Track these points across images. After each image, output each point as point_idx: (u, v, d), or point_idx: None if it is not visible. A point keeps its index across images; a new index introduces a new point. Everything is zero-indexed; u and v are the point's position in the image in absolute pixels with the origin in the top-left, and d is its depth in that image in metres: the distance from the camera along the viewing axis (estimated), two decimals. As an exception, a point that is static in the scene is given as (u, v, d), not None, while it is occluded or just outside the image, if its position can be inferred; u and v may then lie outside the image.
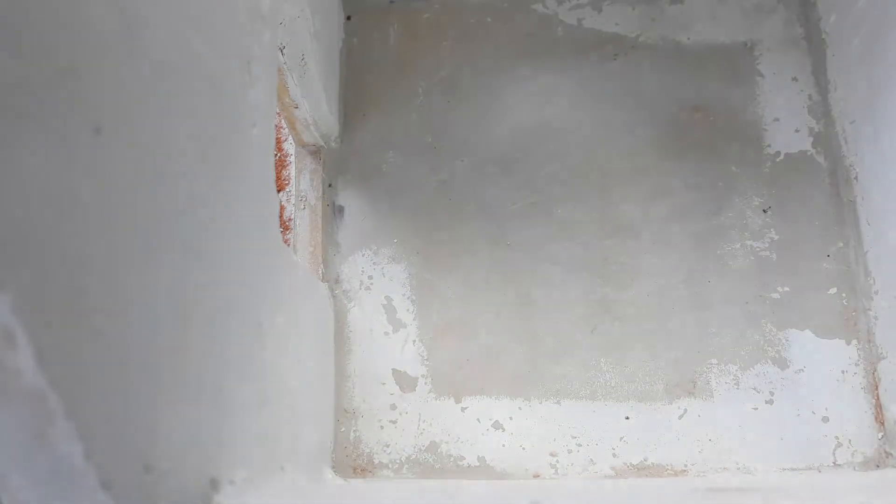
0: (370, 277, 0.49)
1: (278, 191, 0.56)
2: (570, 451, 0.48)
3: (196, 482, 0.25)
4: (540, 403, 0.48)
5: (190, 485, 0.25)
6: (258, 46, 0.32)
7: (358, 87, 0.54)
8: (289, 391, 0.37)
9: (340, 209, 0.51)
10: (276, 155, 0.56)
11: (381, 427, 0.46)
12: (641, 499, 0.27)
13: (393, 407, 0.46)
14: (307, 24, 0.44)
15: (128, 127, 0.21)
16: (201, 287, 0.26)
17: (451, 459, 0.46)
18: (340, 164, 0.53)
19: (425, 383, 0.47)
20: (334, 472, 0.44)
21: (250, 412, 0.30)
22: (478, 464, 0.46)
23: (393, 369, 0.47)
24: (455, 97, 0.52)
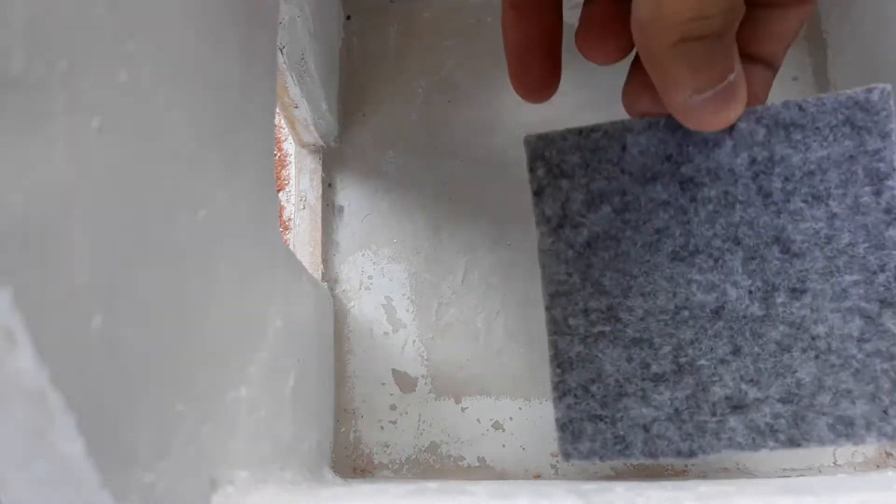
0: (370, 277, 0.49)
1: (278, 191, 0.56)
2: (570, 452, 0.48)
3: (196, 482, 0.25)
4: (540, 403, 0.48)
5: (190, 485, 0.25)
6: (257, 46, 0.32)
7: (358, 87, 0.54)
8: (289, 391, 0.37)
9: (340, 209, 0.51)
10: (276, 155, 0.56)
11: (381, 427, 0.46)
12: (641, 499, 0.27)
13: (393, 407, 0.47)
14: (307, 23, 0.44)
15: (129, 127, 0.21)
16: (201, 287, 0.26)
17: (451, 460, 0.46)
18: (340, 164, 0.53)
19: (425, 383, 0.47)
20: (334, 472, 0.44)
21: (250, 412, 0.30)
22: (478, 464, 0.46)
23: (393, 369, 0.47)
24: (455, 97, 0.52)
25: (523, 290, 0.48)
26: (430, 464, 0.45)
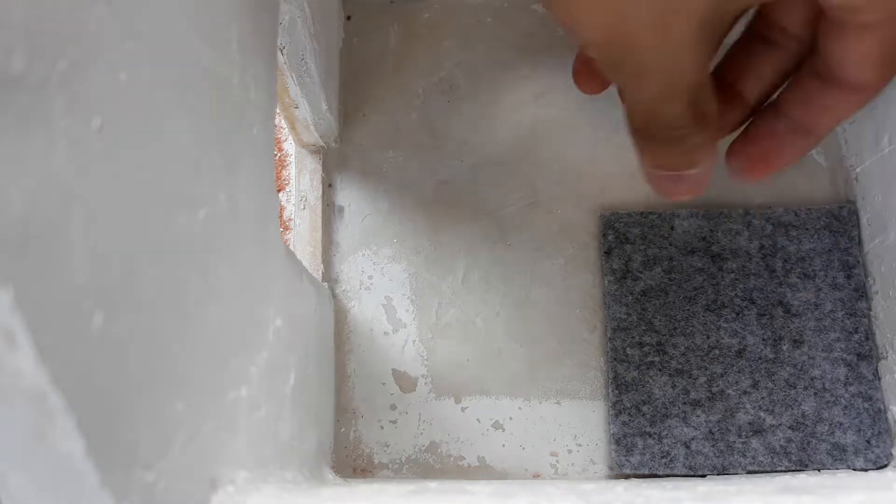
0: (370, 277, 0.49)
1: (278, 191, 0.56)
2: (570, 451, 0.48)
3: (196, 482, 0.25)
4: (540, 403, 0.48)
5: (190, 485, 0.25)
6: (257, 47, 0.32)
7: (358, 87, 0.53)
8: (289, 391, 0.37)
9: (340, 209, 0.51)
10: (276, 155, 0.56)
11: (381, 427, 0.46)
12: (641, 499, 0.27)
13: (393, 407, 0.46)
14: (307, 24, 0.44)
15: (130, 127, 0.21)
16: (201, 287, 0.26)
17: (451, 459, 0.46)
18: (340, 164, 0.53)
19: (425, 383, 0.47)
20: (334, 472, 0.44)
21: (250, 412, 0.30)
22: (478, 464, 0.46)
23: (393, 369, 0.47)
24: (455, 97, 0.52)
25: (523, 290, 0.48)
26: (430, 464, 0.45)
